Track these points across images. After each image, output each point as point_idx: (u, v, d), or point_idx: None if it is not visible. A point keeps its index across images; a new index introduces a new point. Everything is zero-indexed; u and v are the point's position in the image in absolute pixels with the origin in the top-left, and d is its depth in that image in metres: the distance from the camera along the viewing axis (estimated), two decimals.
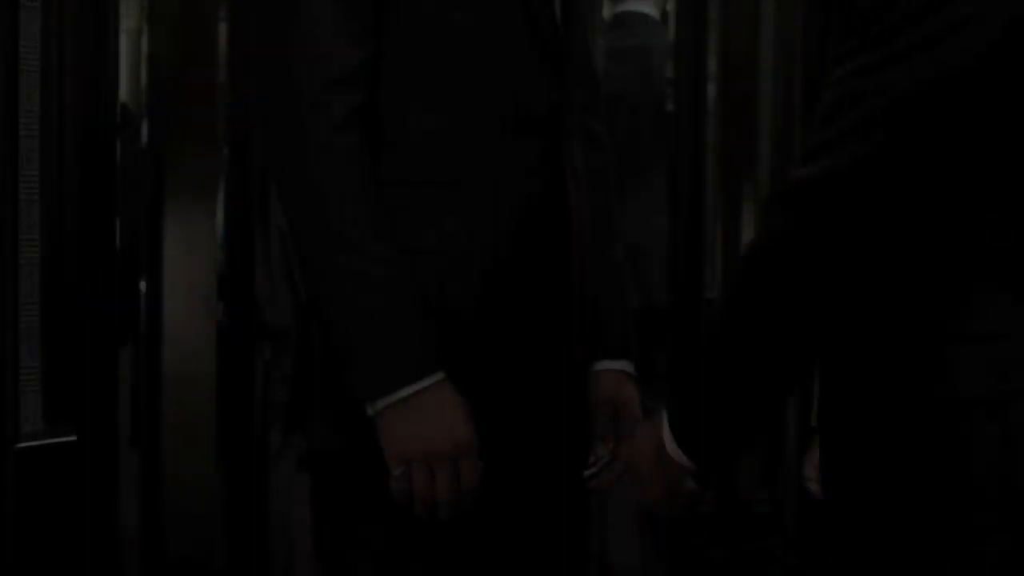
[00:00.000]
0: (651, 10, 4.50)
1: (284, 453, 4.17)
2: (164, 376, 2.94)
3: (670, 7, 4.35)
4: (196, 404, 2.98)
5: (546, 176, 1.96)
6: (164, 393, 2.94)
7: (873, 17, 1.55)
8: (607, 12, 4.45)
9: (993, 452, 1.55)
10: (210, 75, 3.05)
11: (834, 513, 1.67)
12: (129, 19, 3.66)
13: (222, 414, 3.09)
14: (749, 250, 1.67)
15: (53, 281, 2.59)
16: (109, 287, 2.71)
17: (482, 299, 1.91)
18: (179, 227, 2.95)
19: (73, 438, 2.54)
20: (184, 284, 2.96)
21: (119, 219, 2.92)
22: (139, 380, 3.04)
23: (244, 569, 3.18)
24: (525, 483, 1.99)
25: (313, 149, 1.82)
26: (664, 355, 4.17)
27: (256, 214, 3.19)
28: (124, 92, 3.69)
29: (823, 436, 1.70)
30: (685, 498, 1.75)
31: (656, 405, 4.84)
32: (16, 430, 2.43)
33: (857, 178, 1.54)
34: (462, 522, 1.88)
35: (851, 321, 1.62)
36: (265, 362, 4.25)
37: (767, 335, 1.63)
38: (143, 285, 2.95)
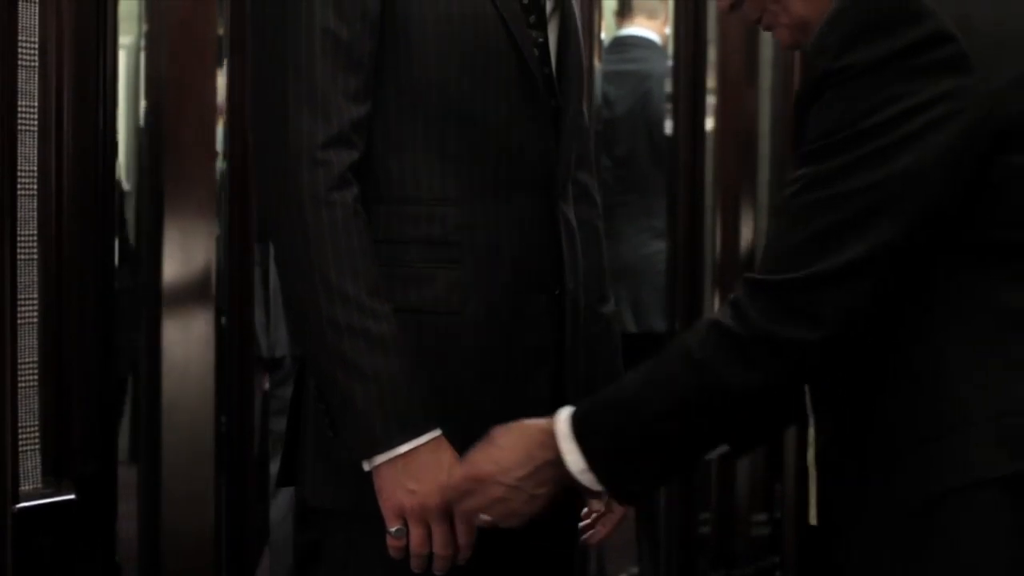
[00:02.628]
0: (651, 34, 4.49)
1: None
2: (163, 409, 2.93)
3: (669, 30, 4.34)
4: (195, 432, 2.98)
5: (540, 231, 1.96)
6: (164, 423, 2.93)
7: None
8: (606, 35, 4.44)
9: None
10: (208, 93, 3.04)
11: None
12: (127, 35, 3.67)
13: (220, 444, 3.09)
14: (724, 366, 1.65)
15: (51, 339, 2.59)
16: (108, 344, 2.71)
17: (477, 356, 1.91)
18: (178, 250, 2.95)
19: (72, 496, 2.53)
20: (183, 313, 2.96)
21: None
22: (138, 412, 3.04)
23: None
24: (522, 537, 1.99)
25: (311, 205, 1.82)
26: None
27: (255, 239, 3.19)
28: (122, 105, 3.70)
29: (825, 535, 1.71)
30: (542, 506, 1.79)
31: None
32: (15, 490, 2.42)
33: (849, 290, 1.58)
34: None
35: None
36: (264, 392, 4.26)
37: (705, 434, 1.69)
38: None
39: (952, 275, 1.59)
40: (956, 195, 1.56)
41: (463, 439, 1.86)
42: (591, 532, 2.10)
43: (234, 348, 3.14)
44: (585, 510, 2.09)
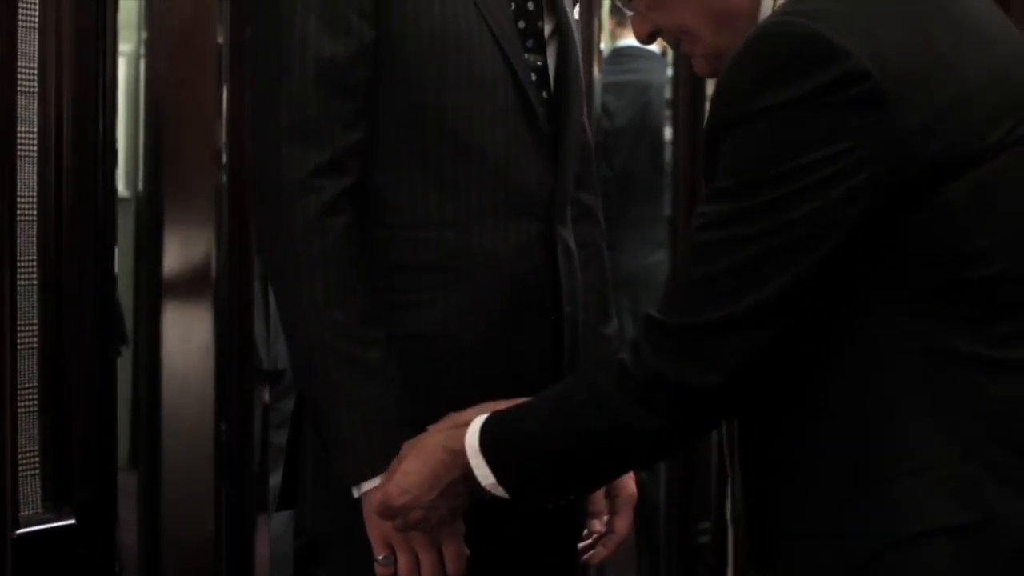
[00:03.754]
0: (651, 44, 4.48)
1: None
2: (163, 418, 2.93)
3: None
4: (195, 443, 2.98)
5: (538, 256, 1.96)
6: (164, 431, 2.93)
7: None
8: (606, 46, 4.44)
9: None
10: (208, 102, 3.04)
11: None
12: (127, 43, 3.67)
13: (221, 456, 3.10)
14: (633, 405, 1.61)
15: (51, 364, 2.59)
16: (108, 370, 2.72)
17: (474, 381, 1.91)
18: (177, 265, 2.95)
19: (72, 521, 2.53)
20: (182, 326, 2.96)
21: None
22: (137, 427, 3.04)
23: None
24: (520, 557, 1.99)
25: (302, 232, 1.83)
26: None
27: (255, 248, 3.19)
28: (122, 114, 3.70)
29: None
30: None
31: None
32: (15, 516, 2.43)
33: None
34: None
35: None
36: (264, 404, 4.27)
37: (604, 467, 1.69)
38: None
39: (882, 316, 1.55)
40: (869, 237, 1.52)
41: None
42: (591, 553, 2.11)
43: (234, 357, 3.14)
44: (586, 531, 2.10)
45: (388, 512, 1.78)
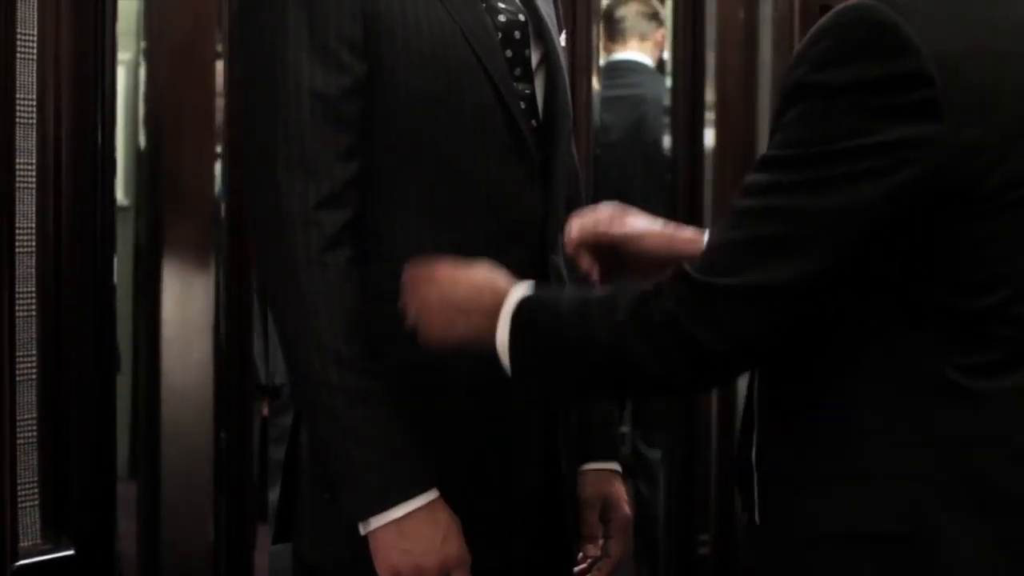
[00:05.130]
0: (643, 57, 4.48)
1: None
2: (163, 428, 2.94)
3: (665, 55, 4.33)
4: (194, 451, 2.99)
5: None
6: (163, 441, 2.94)
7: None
8: (601, 60, 4.44)
9: None
10: (208, 108, 3.05)
11: None
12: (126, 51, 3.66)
13: (220, 471, 3.10)
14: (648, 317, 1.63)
15: (50, 395, 2.60)
16: (108, 401, 2.72)
17: (470, 411, 1.92)
18: (177, 280, 2.95)
19: (72, 552, 2.54)
20: (181, 341, 2.96)
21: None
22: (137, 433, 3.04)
23: None
24: None
25: (304, 267, 1.83)
26: (658, 401, 4.20)
27: (253, 267, 3.19)
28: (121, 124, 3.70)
29: None
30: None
31: (650, 451, 4.82)
32: (14, 547, 2.43)
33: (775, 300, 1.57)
34: None
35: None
36: (263, 419, 4.27)
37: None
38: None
39: (875, 326, 1.58)
40: (892, 243, 1.54)
41: (457, 493, 1.87)
42: None
43: (233, 370, 3.14)
44: (580, 555, 2.11)
45: (423, 282, 1.80)
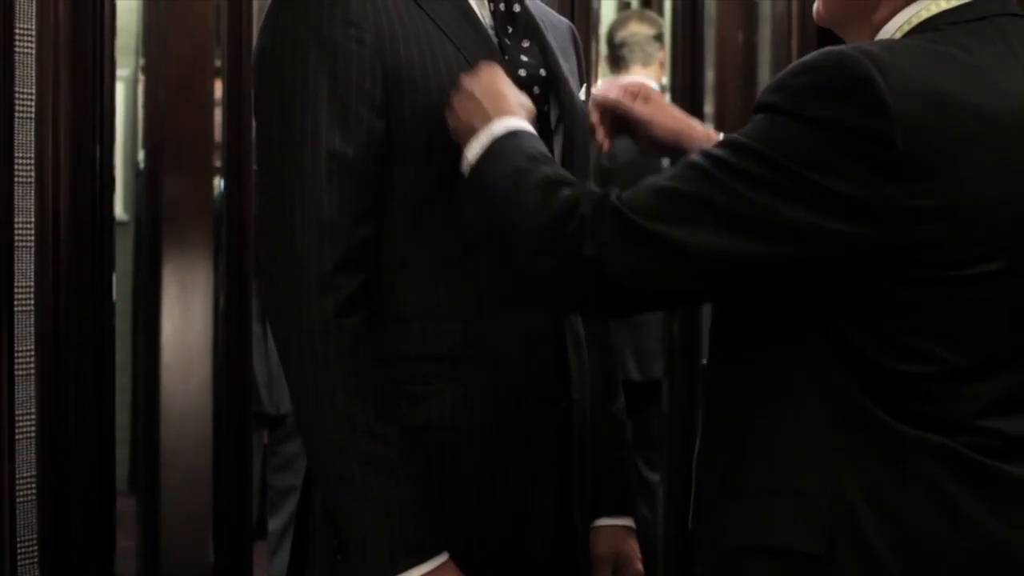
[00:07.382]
0: (650, 81, 4.46)
1: (282, 544, 4.21)
2: (162, 448, 2.94)
3: (666, 80, 4.32)
4: (194, 470, 2.99)
5: (547, 346, 1.95)
6: (162, 460, 2.94)
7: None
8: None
9: None
10: (206, 124, 3.04)
11: None
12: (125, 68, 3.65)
13: (219, 498, 3.10)
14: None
15: (49, 454, 2.60)
16: (107, 457, 2.72)
17: (484, 471, 1.91)
18: (176, 295, 2.95)
19: None
20: (181, 368, 2.96)
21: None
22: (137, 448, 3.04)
23: None
24: None
25: (321, 331, 1.82)
26: (659, 421, 4.18)
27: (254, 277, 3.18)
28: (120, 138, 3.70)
29: None
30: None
31: (651, 474, 4.77)
32: None
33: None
34: None
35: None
36: (263, 447, 4.28)
37: None
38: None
39: (817, 359, 1.63)
40: (822, 277, 1.59)
41: (468, 555, 1.87)
42: None
43: (232, 397, 3.14)
44: None
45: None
